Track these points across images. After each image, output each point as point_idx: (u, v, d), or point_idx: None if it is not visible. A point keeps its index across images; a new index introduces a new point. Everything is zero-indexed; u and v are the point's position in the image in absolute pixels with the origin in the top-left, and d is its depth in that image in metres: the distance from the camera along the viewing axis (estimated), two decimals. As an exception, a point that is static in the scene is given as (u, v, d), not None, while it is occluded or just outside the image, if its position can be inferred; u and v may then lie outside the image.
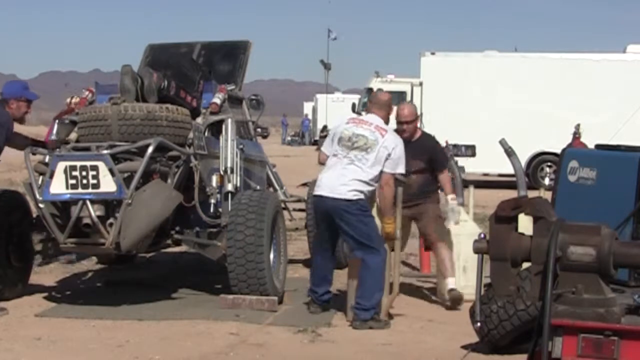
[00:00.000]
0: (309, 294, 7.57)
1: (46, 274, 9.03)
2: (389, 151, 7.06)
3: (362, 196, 7.04)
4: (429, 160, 8.06)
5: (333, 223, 7.13)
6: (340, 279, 8.92)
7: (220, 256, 7.68)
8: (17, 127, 7.75)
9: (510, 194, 6.60)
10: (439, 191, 8.19)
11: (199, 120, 8.19)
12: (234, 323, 6.96)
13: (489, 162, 19.09)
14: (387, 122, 7.37)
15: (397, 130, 7.81)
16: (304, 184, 10.21)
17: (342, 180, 7.01)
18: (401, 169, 7.18)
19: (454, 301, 7.76)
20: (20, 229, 7.80)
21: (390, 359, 6.20)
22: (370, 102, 7.59)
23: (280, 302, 7.62)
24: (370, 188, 7.10)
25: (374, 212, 7.31)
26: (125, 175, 7.34)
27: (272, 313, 7.30)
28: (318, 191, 7.15)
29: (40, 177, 7.61)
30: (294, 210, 10.03)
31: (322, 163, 7.41)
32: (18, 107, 7.49)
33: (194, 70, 8.68)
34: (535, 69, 21.44)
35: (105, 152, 7.31)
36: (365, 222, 7.09)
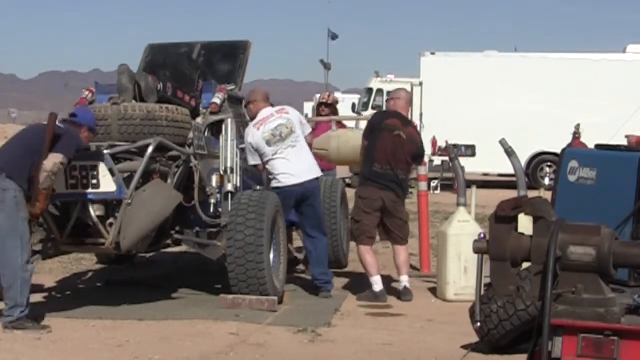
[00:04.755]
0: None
1: (46, 274, 9.04)
2: (300, 119, 8.34)
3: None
4: None
5: (301, 206, 8.12)
6: (341, 279, 8.92)
7: (220, 256, 7.68)
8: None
9: (510, 194, 6.59)
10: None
11: (199, 120, 8.19)
12: (234, 323, 6.96)
13: (489, 162, 19.08)
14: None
15: None
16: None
17: (303, 163, 8.10)
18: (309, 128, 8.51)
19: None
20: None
21: (390, 359, 6.20)
22: (256, 100, 8.44)
23: (280, 302, 7.62)
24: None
25: None
26: (125, 175, 7.34)
27: (272, 313, 7.30)
28: (294, 180, 8.01)
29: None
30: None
31: (260, 170, 8.32)
32: (87, 137, 7.11)
33: (192, 70, 8.68)
34: (535, 69, 21.42)
35: (105, 152, 7.31)
36: (320, 205, 8.45)
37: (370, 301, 7.95)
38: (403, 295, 8.10)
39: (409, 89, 27.08)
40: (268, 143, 8.09)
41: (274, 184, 8.11)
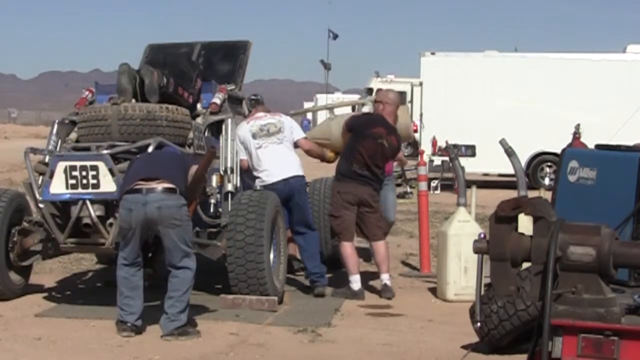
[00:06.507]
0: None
1: (46, 274, 9.03)
2: (292, 124, 8.46)
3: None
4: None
5: (288, 204, 8.14)
6: (341, 279, 8.92)
7: (220, 256, 7.68)
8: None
9: (510, 194, 6.60)
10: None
11: (199, 120, 8.19)
12: (234, 323, 6.96)
13: (489, 162, 19.07)
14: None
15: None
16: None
17: (287, 160, 8.23)
18: (303, 133, 8.62)
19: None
20: (20, 228, 7.78)
21: (390, 359, 6.20)
22: (256, 106, 8.78)
23: (280, 302, 7.62)
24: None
25: None
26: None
27: (272, 313, 7.30)
28: (277, 177, 8.10)
29: (40, 177, 7.61)
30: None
31: (246, 169, 8.29)
32: None
33: (191, 68, 8.68)
34: (535, 69, 21.39)
35: (105, 152, 7.31)
36: (306, 201, 8.51)
37: (347, 298, 8.02)
38: (383, 292, 8.16)
39: (408, 89, 27.22)
40: (254, 135, 8.25)
41: (258, 182, 8.17)
